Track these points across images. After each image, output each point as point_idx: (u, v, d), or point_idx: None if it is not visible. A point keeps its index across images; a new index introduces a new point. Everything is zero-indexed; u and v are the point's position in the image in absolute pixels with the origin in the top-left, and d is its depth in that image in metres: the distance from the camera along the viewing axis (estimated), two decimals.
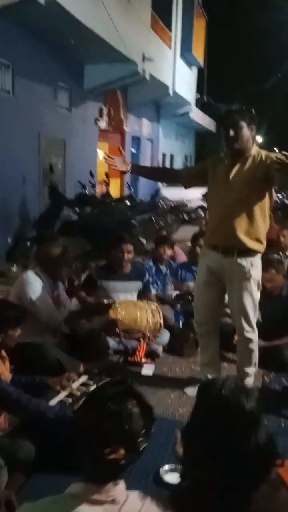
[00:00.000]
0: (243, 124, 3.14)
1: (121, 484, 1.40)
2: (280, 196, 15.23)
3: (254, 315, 3.33)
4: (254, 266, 3.21)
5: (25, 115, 8.05)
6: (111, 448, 1.33)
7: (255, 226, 3.17)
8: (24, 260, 6.58)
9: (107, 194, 9.67)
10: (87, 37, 7.93)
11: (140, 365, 3.85)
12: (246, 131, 3.15)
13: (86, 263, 6.47)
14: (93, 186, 9.63)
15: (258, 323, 3.88)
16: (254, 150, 3.23)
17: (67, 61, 9.30)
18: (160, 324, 4.02)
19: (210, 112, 20.29)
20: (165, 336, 4.21)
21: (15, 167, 7.83)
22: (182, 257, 5.85)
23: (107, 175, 11.03)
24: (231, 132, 3.13)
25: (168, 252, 5.26)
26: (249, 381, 3.50)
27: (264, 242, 3.25)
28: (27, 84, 8.05)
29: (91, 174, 9.39)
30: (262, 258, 3.61)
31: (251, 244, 3.17)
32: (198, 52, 15.49)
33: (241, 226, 3.15)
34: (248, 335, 3.32)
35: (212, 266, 3.38)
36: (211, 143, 19.32)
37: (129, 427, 1.36)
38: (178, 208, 11.18)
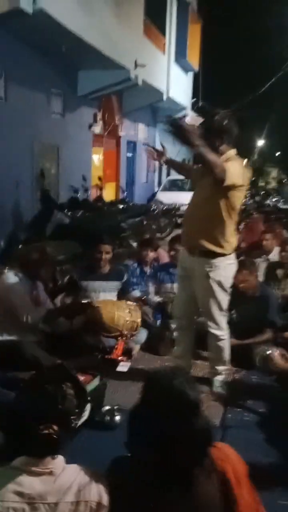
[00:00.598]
0: (210, 136, 3.27)
1: (59, 458, 1.56)
2: (274, 200, 15.50)
3: (219, 313, 3.47)
4: (215, 268, 3.32)
5: (18, 121, 8.23)
6: (45, 425, 1.49)
7: (216, 229, 3.29)
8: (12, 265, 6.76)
9: (99, 198, 9.85)
10: (78, 45, 8.12)
11: (116, 362, 4.00)
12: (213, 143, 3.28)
13: (76, 266, 6.65)
14: (86, 190, 9.80)
15: (233, 323, 4.06)
16: (224, 156, 3.32)
17: (60, 67, 9.50)
18: (138, 323, 4.17)
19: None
20: (143, 334, 4.37)
21: (9, 171, 8.01)
22: (166, 260, 6.00)
23: (100, 179, 11.22)
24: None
25: (151, 254, 5.41)
26: (219, 378, 3.66)
27: (227, 245, 3.34)
28: (20, 90, 8.24)
29: (84, 178, 9.56)
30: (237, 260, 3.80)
31: (210, 246, 3.30)
32: (193, 57, 15.67)
33: (201, 229, 3.31)
34: (213, 331, 3.48)
35: (184, 264, 3.57)
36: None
37: (62, 406, 1.52)
38: (171, 212, 11.34)
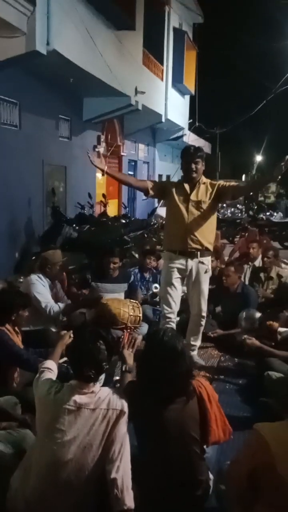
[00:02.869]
0: (199, 160, 4.22)
1: (98, 384, 2.38)
2: (268, 214, 16.35)
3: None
4: (208, 263, 4.41)
5: (31, 146, 9.14)
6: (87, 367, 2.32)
7: (211, 233, 4.37)
8: (30, 272, 7.59)
9: (104, 214, 10.65)
10: (84, 77, 9.06)
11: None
12: (201, 166, 4.24)
13: (84, 274, 7.49)
14: (91, 206, 10.63)
15: (218, 316, 4.93)
16: (204, 178, 4.33)
17: (67, 95, 10.44)
18: (140, 317, 4.98)
19: (204, 135, 21.54)
20: (145, 328, 5.20)
21: (22, 191, 8.89)
22: None
23: (104, 196, 12.07)
24: (193, 166, 4.25)
25: (153, 263, 6.27)
26: (195, 350, 4.62)
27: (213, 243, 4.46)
28: (32, 118, 9.16)
29: (90, 196, 10.40)
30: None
31: (208, 246, 4.35)
32: (190, 81, 16.69)
33: (203, 234, 4.32)
34: (203, 314, 4.51)
35: (181, 267, 4.42)
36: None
37: (97, 356, 2.34)
38: None
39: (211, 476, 2.55)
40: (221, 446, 2.85)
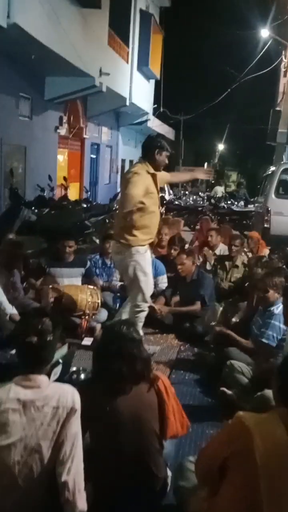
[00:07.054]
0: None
1: (45, 377, 2.22)
2: (229, 203, 16.47)
3: None
4: None
5: None
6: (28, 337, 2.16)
7: None
8: None
9: (64, 197, 10.41)
10: (47, 54, 8.73)
11: (81, 338, 4.68)
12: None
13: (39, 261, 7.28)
14: (52, 189, 10.36)
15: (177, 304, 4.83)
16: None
17: (29, 73, 10.07)
18: (98, 303, 4.85)
19: (168, 121, 21.45)
20: (104, 314, 5.04)
21: None
22: None
23: (65, 179, 11.81)
24: None
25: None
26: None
27: None
28: None
29: (50, 178, 10.14)
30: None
31: None
32: (155, 66, 16.49)
33: None
34: None
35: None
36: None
37: (41, 327, 2.18)
38: None
39: (169, 472, 2.47)
40: (179, 441, 2.78)
